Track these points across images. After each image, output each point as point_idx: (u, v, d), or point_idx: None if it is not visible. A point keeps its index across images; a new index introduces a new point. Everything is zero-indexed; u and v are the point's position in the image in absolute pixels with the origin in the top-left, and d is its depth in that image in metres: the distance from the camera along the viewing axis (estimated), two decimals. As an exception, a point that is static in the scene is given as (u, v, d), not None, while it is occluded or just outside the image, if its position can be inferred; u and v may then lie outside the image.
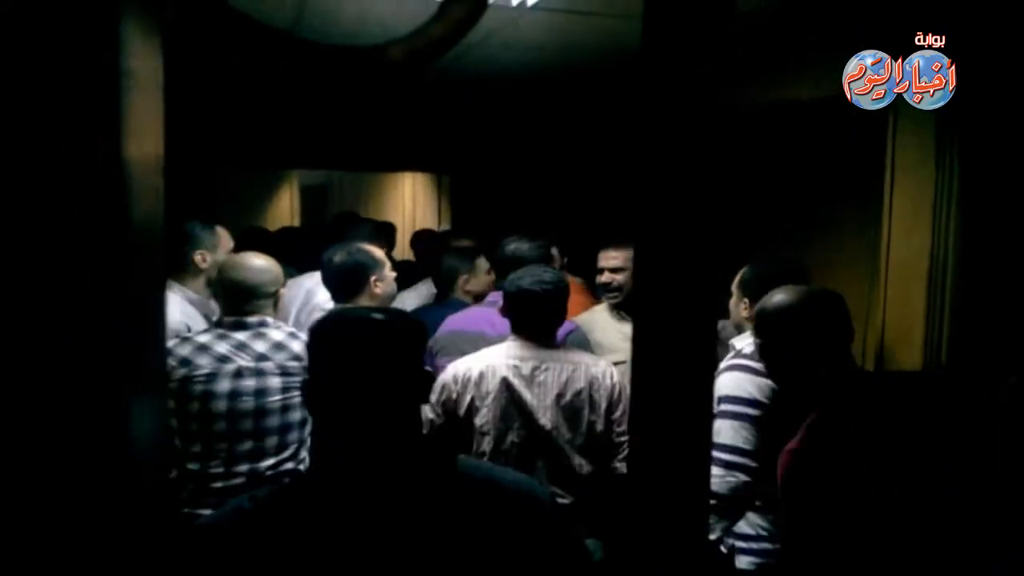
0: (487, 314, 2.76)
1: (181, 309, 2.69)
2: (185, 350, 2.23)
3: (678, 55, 0.62)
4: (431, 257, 3.57)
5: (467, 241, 3.78)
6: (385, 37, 0.74)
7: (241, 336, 2.27)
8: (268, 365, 2.25)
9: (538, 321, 2.36)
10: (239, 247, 2.99)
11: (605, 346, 2.79)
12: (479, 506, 1.23)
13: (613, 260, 2.95)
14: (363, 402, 1.16)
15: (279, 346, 2.28)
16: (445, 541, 1.17)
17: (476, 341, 2.58)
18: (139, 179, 0.63)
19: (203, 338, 2.27)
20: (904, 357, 2.65)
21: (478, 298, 3.07)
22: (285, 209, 7.69)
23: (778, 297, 1.81)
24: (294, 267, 3.02)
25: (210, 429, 2.20)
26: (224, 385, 2.21)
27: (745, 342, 2.28)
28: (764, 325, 1.83)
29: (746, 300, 2.36)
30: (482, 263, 3.16)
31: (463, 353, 2.47)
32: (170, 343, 2.22)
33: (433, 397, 2.33)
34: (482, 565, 1.20)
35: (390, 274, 2.73)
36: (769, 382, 2.09)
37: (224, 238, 2.93)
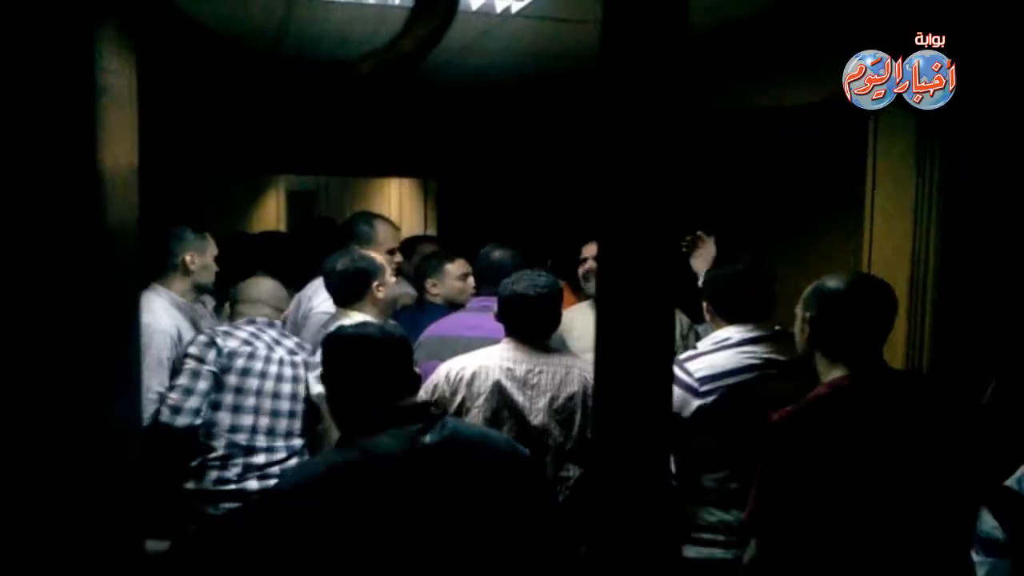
0: (465, 318, 2.80)
1: (167, 312, 2.72)
2: (243, 334, 2.66)
3: (632, 62, 0.64)
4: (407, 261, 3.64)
5: (432, 246, 3.81)
6: (370, 46, 0.75)
7: (273, 333, 2.73)
8: (296, 359, 2.68)
9: (533, 324, 2.39)
10: (222, 252, 3.00)
11: (581, 347, 2.82)
12: (476, 451, 1.71)
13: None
14: (374, 397, 1.69)
15: (296, 346, 2.75)
16: (452, 480, 1.62)
17: (454, 346, 2.59)
18: (114, 189, 0.64)
19: (250, 329, 2.70)
20: (886, 358, 2.67)
21: (452, 303, 3.10)
22: (272, 214, 7.67)
23: (835, 280, 1.84)
24: (276, 275, 3.03)
25: (260, 406, 2.59)
26: (273, 368, 2.63)
27: (704, 342, 2.36)
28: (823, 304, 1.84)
29: (705, 302, 2.42)
30: (453, 268, 3.20)
31: (441, 359, 2.49)
32: (220, 332, 2.66)
33: (424, 395, 2.32)
34: (476, 499, 1.63)
35: (391, 279, 2.84)
36: (679, 390, 2.19)
37: (211, 244, 2.95)
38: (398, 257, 3.29)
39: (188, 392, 2.52)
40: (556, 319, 2.45)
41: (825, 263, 3.34)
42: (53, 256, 0.62)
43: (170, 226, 2.87)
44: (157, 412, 2.51)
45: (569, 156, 4.74)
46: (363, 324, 1.98)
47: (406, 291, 3.46)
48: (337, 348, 1.76)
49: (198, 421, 2.51)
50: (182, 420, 2.49)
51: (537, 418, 2.28)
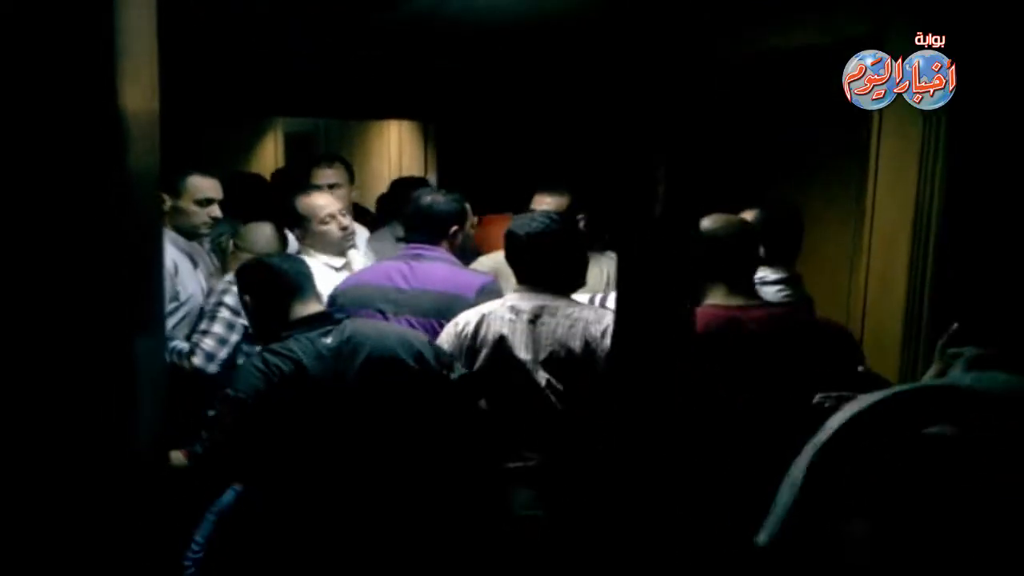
0: (388, 267, 2.72)
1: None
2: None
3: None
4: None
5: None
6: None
7: None
8: None
9: (531, 267, 2.30)
10: (231, 193, 3.07)
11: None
12: (367, 350, 2.13)
13: (546, 205, 3.00)
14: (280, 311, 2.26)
15: None
16: (348, 374, 2.09)
17: (374, 295, 2.57)
18: (135, 128, 0.63)
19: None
20: (886, 309, 2.68)
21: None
22: (269, 158, 7.59)
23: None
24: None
25: None
26: None
27: None
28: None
29: None
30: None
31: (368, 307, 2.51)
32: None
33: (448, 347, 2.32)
34: (368, 390, 2.09)
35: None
36: None
37: (196, 186, 2.92)
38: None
39: (223, 342, 2.62)
40: (561, 262, 2.31)
41: (827, 211, 3.33)
42: (71, 200, 0.61)
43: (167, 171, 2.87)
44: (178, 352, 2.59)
45: (570, 100, 4.68)
46: (264, 255, 2.49)
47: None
48: (248, 274, 2.27)
49: (220, 371, 2.59)
50: (213, 368, 2.59)
51: (538, 371, 2.19)
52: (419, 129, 6.21)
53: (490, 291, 2.53)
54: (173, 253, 2.79)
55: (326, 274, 2.87)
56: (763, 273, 2.48)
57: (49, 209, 0.63)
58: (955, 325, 2.00)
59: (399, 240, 3.33)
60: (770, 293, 2.47)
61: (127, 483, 0.67)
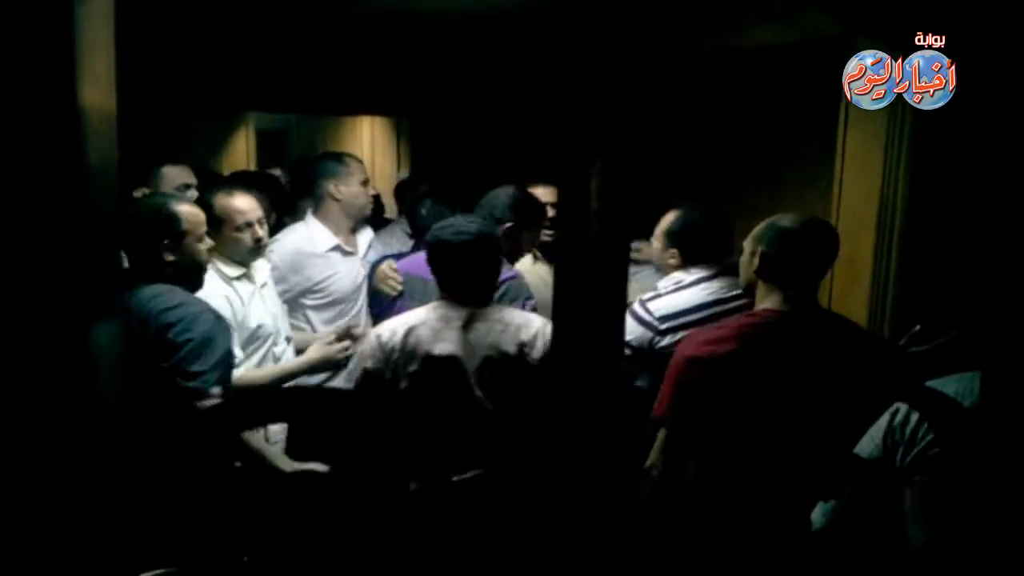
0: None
1: None
2: None
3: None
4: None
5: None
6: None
7: None
8: None
9: (461, 278, 2.19)
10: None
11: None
12: None
13: (540, 196, 2.94)
14: None
15: None
16: None
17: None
18: (94, 126, 0.63)
19: None
20: (853, 297, 2.72)
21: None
22: (241, 154, 7.53)
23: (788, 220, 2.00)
24: None
25: None
26: None
27: (664, 283, 2.48)
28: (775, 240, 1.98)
29: (674, 249, 2.50)
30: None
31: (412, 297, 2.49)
32: None
33: (363, 364, 2.23)
34: None
35: None
36: (642, 329, 2.34)
37: (170, 176, 3.05)
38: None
39: None
40: (489, 271, 2.24)
41: (799, 205, 3.37)
42: (37, 192, 0.62)
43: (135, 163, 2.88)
44: None
45: (541, 96, 4.69)
46: None
47: None
48: None
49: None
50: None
51: (469, 380, 2.10)
52: (392, 126, 6.19)
53: (513, 288, 2.49)
54: None
55: (215, 284, 2.58)
56: (679, 276, 2.47)
57: (9, 202, 0.63)
58: (917, 327, 2.05)
59: (410, 236, 3.43)
60: (695, 294, 2.44)
61: (85, 440, 0.69)
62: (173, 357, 2.08)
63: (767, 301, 1.99)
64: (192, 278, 2.31)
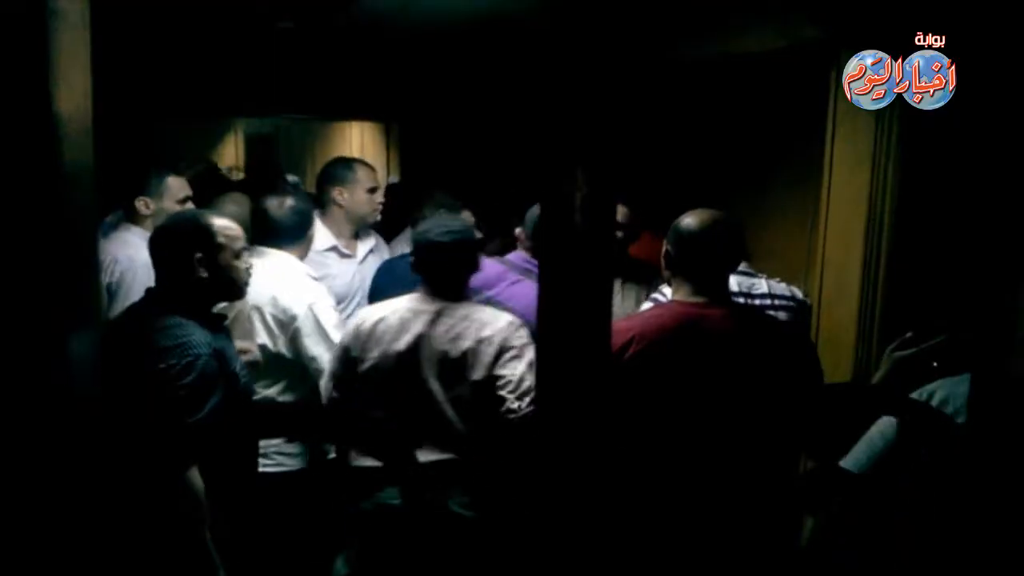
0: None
1: (144, 246, 2.71)
2: None
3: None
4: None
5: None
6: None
7: None
8: None
9: (440, 272, 2.31)
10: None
11: None
12: None
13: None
14: None
15: None
16: None
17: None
18: (70, 131, 0.62)
19: None
20: (841, 304, 2.72)
21: None
22: (230, 159, 7.50)
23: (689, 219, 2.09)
24: None
25: None
26: None
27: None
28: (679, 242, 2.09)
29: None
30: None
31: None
32: None
33: (336, 353, 2.40)
34: None
35: None
36: None
37: (175, 187, 3.02)
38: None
39: None
40: (467, 267, 2.35)
41: (787, 214, 3.38)
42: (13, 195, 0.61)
43: (129, 170, 2.98)
44: None
45: (529, 101, 4.68)
46: None
47: None
48: None
49: None
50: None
51: (428, 370, 2.22)
52: (380, 130, 6.18)
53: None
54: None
55: None
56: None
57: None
58: (909, 334, 2.06)
59: None
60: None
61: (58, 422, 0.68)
62: (170, 395, 1.94)
63: (677, 294, 2.11)
64: (226, 296, 2.22)
